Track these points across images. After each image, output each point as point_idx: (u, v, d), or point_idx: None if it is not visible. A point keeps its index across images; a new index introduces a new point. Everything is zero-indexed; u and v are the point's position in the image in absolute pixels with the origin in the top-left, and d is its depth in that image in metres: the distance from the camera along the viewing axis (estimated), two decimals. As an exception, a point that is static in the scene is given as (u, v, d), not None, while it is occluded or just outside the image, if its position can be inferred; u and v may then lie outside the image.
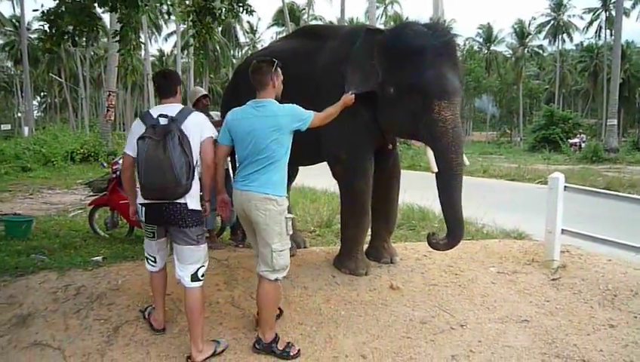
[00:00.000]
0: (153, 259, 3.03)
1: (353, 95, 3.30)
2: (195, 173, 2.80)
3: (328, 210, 6.44)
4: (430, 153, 3.32)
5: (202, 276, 2.89)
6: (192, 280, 2.85)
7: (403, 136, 3.95)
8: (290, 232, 2.90)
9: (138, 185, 2.82)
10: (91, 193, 5.63)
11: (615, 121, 22.47)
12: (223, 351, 2.92)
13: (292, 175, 4.73)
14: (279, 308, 3.26)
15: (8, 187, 10.04)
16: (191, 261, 2.85)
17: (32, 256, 4.37)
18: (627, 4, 35.49)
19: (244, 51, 52.50)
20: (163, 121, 2.75)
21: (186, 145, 2.71)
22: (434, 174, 3.34)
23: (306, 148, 3.64)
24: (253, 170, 2.82)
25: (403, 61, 3.25)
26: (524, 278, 4.05)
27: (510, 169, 13.26)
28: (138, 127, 2.83)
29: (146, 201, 2.81)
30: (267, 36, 55.09)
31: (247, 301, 3.47)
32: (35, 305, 3.33)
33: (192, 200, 2.80)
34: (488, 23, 52.98)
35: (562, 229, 4.33)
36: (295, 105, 2.94)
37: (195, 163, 2.78)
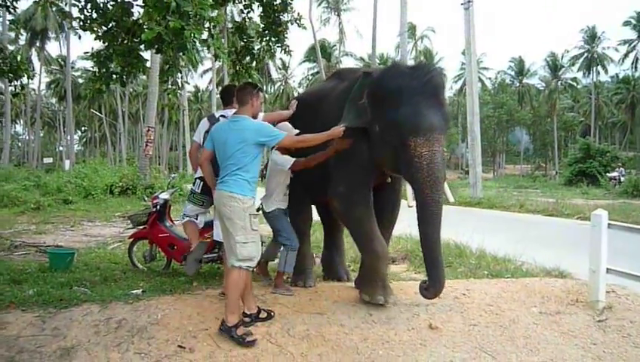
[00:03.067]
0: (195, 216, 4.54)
1: (342, 128, 3.63)
2: None
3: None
4: (409, 188, 3.52)
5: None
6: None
7: (393, 172, 3.98)
8: (255, 228, 3.40)
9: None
10: (130, 226, 5.74)
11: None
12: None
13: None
14: (269, 311, 3.69)
15: (51, 219, 10.38)
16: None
17: (74, 288, 4.47)
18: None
19: (276, 87, 53.70)
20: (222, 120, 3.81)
21: None
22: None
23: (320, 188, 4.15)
24: (224, 174, 3.44)
25: (384, 100, 3.53)
26: (568, 319, 3.91)
27: (548, 204, 12.91)
28: (204, 124, 4.18)
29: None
30: (299, 72, 56.28)
31: (285, 337, 3.46)
32: (78, 337, 3.39)
33: None
34: (520, 57, 52.89)
35: (607, 268, 4.18)
36: (267, 124, 3.61)
37: None
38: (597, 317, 3.97)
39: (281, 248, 4.32)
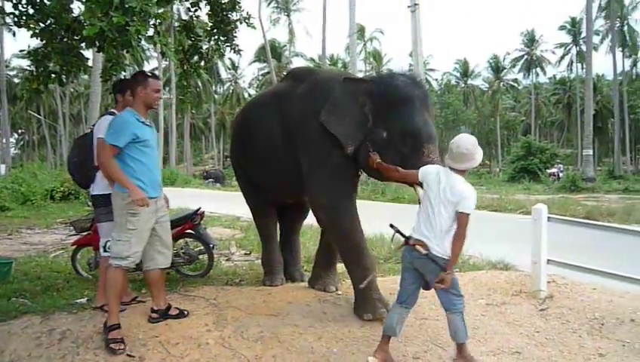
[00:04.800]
0: None
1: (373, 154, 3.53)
2: None
3: (315, 245, 6.42)
4: (420, 191, 3.39)
5: (108, 248, 3.60)
6: (103, 251, 3.77)
7: (386, 179, 3.89)
8: (133, 228, 3.28)
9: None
10: (73, 232, 5.50)
11: (591, 151, 23.04)
12: None
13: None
14: (182, 310, 3.71)
15: (-15, 227, 9.79)
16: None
17: (13, 299, 4.25)
18: (596, 40, 37.01)
19: (226, 87, 52.98)
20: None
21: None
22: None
23: (289, 185, 4.13)
24: None
25: (394, 108, 3.50)
26: (513, 309, 4.07)
27: (492, 200, 13.41)
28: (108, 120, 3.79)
29: None
30: (249, 72, 55.76)
31: (238, 340, 3.41)
32: (17, 351, 3.21)
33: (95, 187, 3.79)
34: (465, 58, 54.65)
35: (548, 259, 4.39)
36: (114, 120, 3.49)
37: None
38: (539, 306, 4.16)
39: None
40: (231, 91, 51.22)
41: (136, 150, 3.35)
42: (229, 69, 51.76)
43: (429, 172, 3.12)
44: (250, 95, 49.99)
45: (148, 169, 3.42)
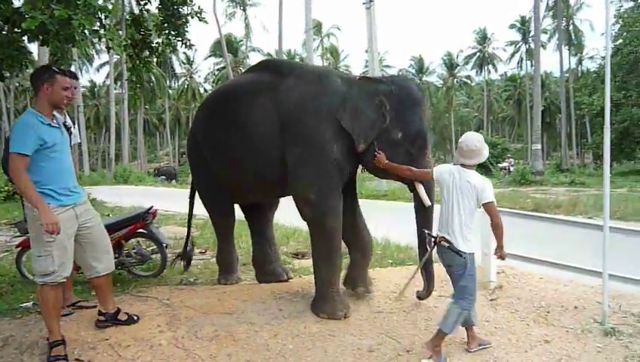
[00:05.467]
0: None
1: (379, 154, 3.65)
2: None
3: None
4: (422, 189, 3.64)
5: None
6: None
7: (389, 177, 4.00)
8: (51, 240, 2.95)
9: None
10: (18, 234, 5.26)
11: (539, 146, 23.95)
12: None
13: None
14: (131, 315, 3.54)
15: None
16: None
17: (-48, 305, 4.03)
18: (544, 38, 38.48)
19: (180, 82, 51.93)
20: None
21: None
22: (415, 207, 3.76)
23: (266, 184, 4.01)
24: None
25: (409, 110, 3.68)
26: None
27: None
28: None
29: None
30: (204, 67, 54.81)
31: (192, 340, 3.36)
32: (-44, 360, 3.06)
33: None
34: (420, 55, 55.67)
35: (497, 251, 4.53)
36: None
37: None
38: (489, 296, 4.29)
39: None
40: (186, 86, 50.23)
41: (45, 156, 2.99)
42: (184, 64, 50.77)
43: (443, 171, 3.36)
44: (206, 90, 49.23)
45: (59, 176, 3.08)
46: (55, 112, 3.24)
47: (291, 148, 3.76)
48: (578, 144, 43.55)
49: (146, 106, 44.51)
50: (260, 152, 3.88)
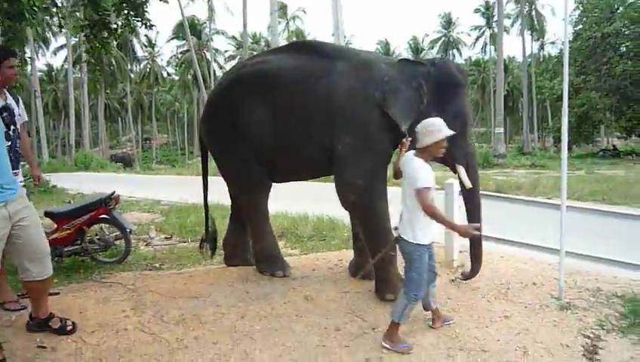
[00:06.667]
0: None
1: (408, 139, 3.44)
2: None
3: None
4: (463, 171, 3.65)
5: None
6: None
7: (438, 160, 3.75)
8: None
9: None
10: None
11: (502, 130, 24.53)
12: None
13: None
14: (65, 325, 3.20)
15: None
16: None
17: None
18: (507, 23, 39.14)
19: (142, 65, 50.60)
20: None
21: None
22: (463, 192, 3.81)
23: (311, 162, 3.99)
24: None
25: (447, 92, 3.67)
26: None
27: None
28: None
29: None
30: (167, 50, 53.49)
31: (159, 325, 3.34)
32: None
33: None
34: (386, 39, 55.85)
35: (460, 231, 4.65)
36: None
37: None
38: (452, 275, 4.41)
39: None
40: (148, 70, 48.96)
41: None
42: (145, 47, 49.36)
43: (404, 158, 3.30)
44: (169, 74, 48.15)
45: None
46: None
47: (342, 137, 3.75)
48: (539, 128, 44.76)
49: (107, 91, 43.12)
50: (311, 138, 3.86)
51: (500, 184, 12.08)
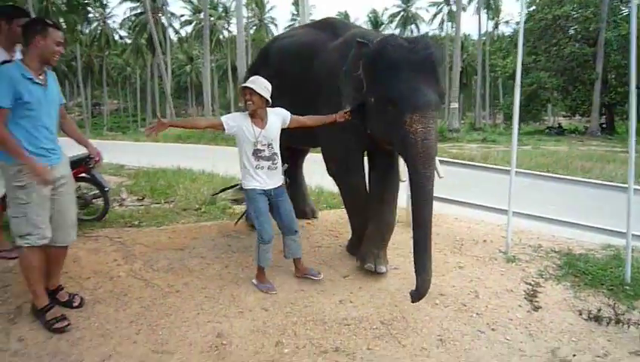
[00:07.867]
0: None
1: (345, 114, 3.54)
2: None
3: (209, 189, 6.63)
4: (402, 162, 3.66)
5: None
6: None
7: (386, 144, 3.71)
8: (23, 201, 2.81)
9: None
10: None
11: (456, 105, 25.36)
12: None
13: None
14: (72, 299, 3.19)
15: None
16: None
17: None
18: (464, 0, 39.89)
19: (93, 27, 48.37)
20: None
21: None
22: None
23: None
24: None
25: (382, 74, 3.31)
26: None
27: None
28: None
29: None
30: (120, 11, 51.21)
31: (149, 272, 3.62)
32: None
33: None
34: (345, 11, 55.66)
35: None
36: None
37: None
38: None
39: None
40: (99, 32, 46.93)
41: (21, 113, 2.78)
42: (96, 7, 47.12)
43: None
44: (121, 37, 46.32)
45: (34, 136, 2.83)
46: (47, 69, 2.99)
47: (324, 111, 3.79)
48: (491, 105, 46.32)
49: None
50: (308, 111, 3.87)
51: (454, 156, 12.76)
